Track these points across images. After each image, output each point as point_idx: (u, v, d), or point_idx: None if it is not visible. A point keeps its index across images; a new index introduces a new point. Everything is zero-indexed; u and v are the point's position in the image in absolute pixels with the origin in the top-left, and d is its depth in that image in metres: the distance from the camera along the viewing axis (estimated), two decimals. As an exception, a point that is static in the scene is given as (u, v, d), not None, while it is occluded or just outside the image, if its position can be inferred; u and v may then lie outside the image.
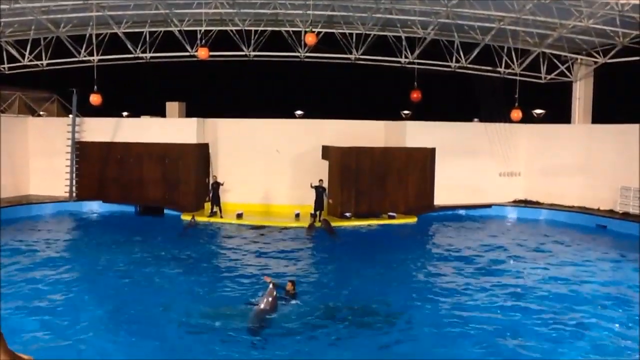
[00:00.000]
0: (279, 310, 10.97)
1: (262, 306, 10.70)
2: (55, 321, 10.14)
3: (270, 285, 10.96)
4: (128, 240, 17.82)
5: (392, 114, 27.61)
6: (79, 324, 10.08)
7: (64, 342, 9.17)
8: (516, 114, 20.93)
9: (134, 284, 12.86)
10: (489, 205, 23.64)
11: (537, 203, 23.95)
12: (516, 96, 21.08)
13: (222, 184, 21.77)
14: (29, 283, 12.61)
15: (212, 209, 21.74)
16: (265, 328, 10.19)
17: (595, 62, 23.32)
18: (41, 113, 27.27)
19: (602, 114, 24.25)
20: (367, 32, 23.21)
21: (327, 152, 22.45)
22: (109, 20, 21.56)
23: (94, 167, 23.58)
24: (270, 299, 10.80)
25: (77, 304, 11.31)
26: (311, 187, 20.95)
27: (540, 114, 25.74)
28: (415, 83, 23.16)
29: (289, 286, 12.07)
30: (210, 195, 21.94)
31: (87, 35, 22.71)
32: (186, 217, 21.18)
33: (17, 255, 15.21)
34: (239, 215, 21.32)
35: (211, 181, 22.35)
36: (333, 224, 20.05)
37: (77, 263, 14.85)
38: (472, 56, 23.72)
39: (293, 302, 11.46)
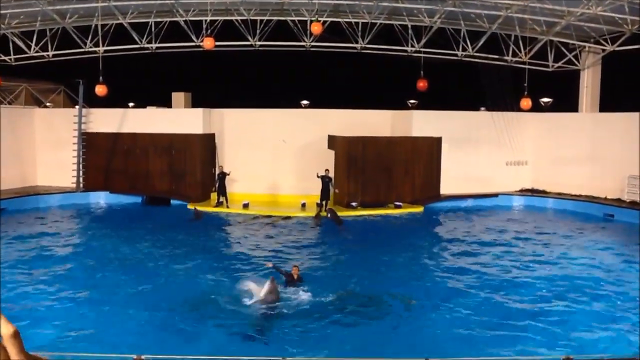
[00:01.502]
0: (285, 297, 11.05)
1: (262, 296, 10.73)
2: (59, 314, 10.22)
3: (269, 281, 10.93)
4: (135, 230, 17.90)
5: (398, 104, 27.52)
6: (85, 316, 10.16)
7: (68, 335, 9.25)
8: (526, 102, 20.77)
9: (138, 274, 12.92)
10: (495, 195, 23.57)
11: (544, 192, 23.87)
12: (525, 84, 20.94)
13: (229, 174, 21.78)
14: (35, 274, 12.71)
15: (218, 199, 21.78)
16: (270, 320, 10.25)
17: (603, 50, 23.13)
18: (47, 104, 27.30)
19: (609, 102, 24.06)
20: (373, 21, 23.07)
21: (333, 141, 22.41)
22: (114, 10, 21.52)
23: (101, 157, 23.63)
24: (268, 289, 10.80)
25: (83, 295, 11.38)
26: (317, 177, 20.94)
27: (548, 102, 25.58)
28: (422, 72, 23.05)
29: (293, 270, 12.15)
30: (217, 185, 21.97)
31: (93, 25, 22.68)
32: (192, 207, 21.23)
33: (25, 245, 15.31)
34: (245, 205, 21.35)
35: (217, 171, 22.38)
36: (339, 213, 20.05)
37: (84, 253, 14.93)
38: (479, 44, 23.56)
39: (300, 290, 11.50)
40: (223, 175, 21.76)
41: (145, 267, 13.56)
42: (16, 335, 0.80)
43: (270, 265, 12.35)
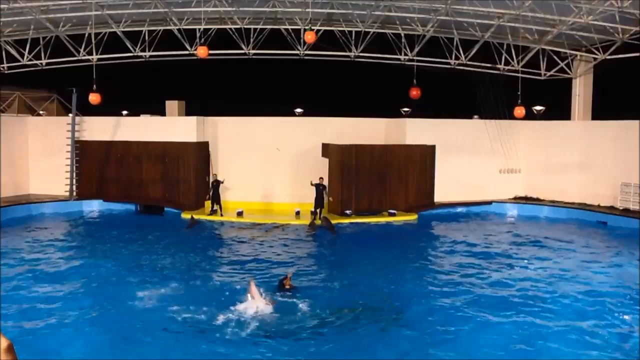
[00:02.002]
0: (280, 306, 11.02)
1: (257, 304, 10.73)
2: (51, 323, 10.15)
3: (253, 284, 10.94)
4: (128, 239, 17.81)
5: (392, 112, 27.64)
6: (77, 324, 10.10)
7: (59, 344, 9.20)
8: (519, 110, 20.88)
9: (132, 283, 12.86)
10: (489, 202, 23.63)
11: (538, 200, 23.95)
12: (519, 93, 21.05)
13: (223, 182, 21.77)
14: (26, 284, 12.63)
15: (212, 207, 21.74)
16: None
17: (595, 59, 23.30)
18: (41, 112, 27.27)
19: (601, 110, 24.24)
20: (367, 30, 23.18)
21: (327, 149, 22.44)
22: (108, 19, 21.52)
23: (94, 166, 23.59)
24: (257, 292, 10.83)
25: (74, 305, 11.30)
26: (311, 185, 20.95)
27: (540, 110, 25.73)
28: (415, 80, 23.14)
29: (286, 280, 12.15)
30: (211, 193, 21.94)
31: (86, 34, 22.70)
32: (187, 216, 21.19)
33: (17, 255, 15.21)
34: (239, 214, 21.32)
35: (211, 179, 22.36)
36: (333, 221, 20.06)
37: (76, 263, 14.84)
38: (472, 53, 23.69)
39: (292, 298, 11.48)
40: (217, 183, 21.74)
41: (138, 276, 13.48)
42: (10, 348, 0.80)
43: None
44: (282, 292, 11.92)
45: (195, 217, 20.86)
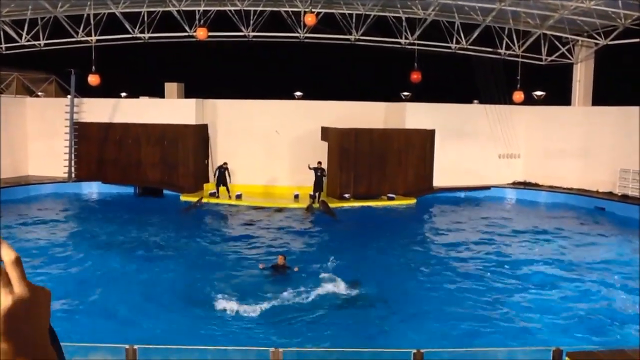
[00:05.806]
0: (273, 286, 11.11)
1: None
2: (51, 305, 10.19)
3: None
4: (127, 221, 17.85)
5: (391, 96, 27.50)
6: (77, 306, 10.14)
7: (60, 325, 9.22)
8: (518, 95, 20.84)
9: (131, 265, 12.91)
10: (488, 187, 23.64)
11: (537, 185, 23.96)
12: (518, 78, 20.96)
13: (226, 167, 21.37)
14: (25, 264, 12.67)
15: (217, 190, 21.45)
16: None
17: (597, 44, 23.15)
18: (39, 94, 27.12)
19: (602, 96, 24.14)
20: (367, 13, 23.00)
21: (327, 133, 22.39)
22: (106, -1, 21.37)
23: (93, 147, 23.54)
24: None
25: (74, 286, 11.35)
26: (309, 168, 20.91)
27: (541, 95, 25.61)
28: (415, 64, 23.02)
29: (279, 260, 12.24)
30: (216, 175, 21.54)
31: (85, 15, 22.51)
32: (186, 199, 21.17)
33: (16, 235, 15.24)
34: (238, 197, 21.32)
35: (217, 164, 21.92)
36: (332, 205, 20.07)
37: (74, 243, 14.89)
38: (473, 37, 23.54)
39: (287, 279, 11.54)
40: (224, 169, 21.36)
41: (136, 258, 13.53)
42: (18, 261, 0.79)
43: (262, 267, 12.38)
44: (277, 272, 12.00)
45: (194, 200, 20.85)
